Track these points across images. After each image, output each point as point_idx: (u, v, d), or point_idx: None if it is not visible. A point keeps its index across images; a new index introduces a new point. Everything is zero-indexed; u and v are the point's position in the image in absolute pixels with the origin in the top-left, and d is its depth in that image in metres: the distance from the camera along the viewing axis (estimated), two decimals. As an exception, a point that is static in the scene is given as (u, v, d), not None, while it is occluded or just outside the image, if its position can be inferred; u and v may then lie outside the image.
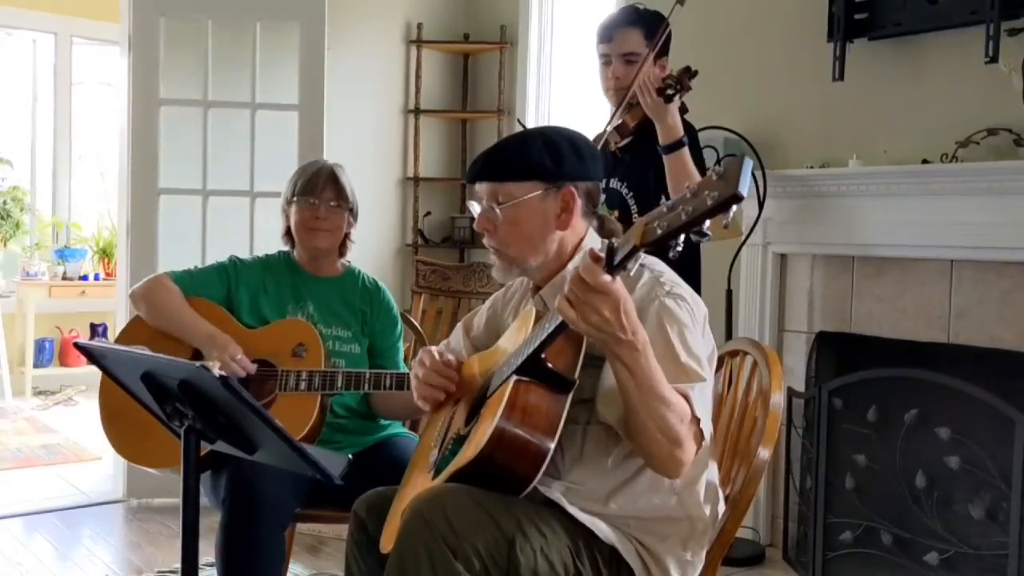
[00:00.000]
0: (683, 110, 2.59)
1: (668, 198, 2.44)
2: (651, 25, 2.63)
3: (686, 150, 2.51)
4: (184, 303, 2.39)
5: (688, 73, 2.50)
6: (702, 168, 2.59)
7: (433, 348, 1.86)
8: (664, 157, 2.51)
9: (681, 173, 2.49)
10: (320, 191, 2.44)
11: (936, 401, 2.96)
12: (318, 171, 2.48)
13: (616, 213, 2.64)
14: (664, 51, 2.64)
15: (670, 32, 2.62)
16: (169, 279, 2.44)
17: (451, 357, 1.84)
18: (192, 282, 2.44)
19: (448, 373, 1.81)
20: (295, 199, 2.46)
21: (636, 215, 2.60)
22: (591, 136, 2.62)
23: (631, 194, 2.65)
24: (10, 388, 5.97)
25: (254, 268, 2.52)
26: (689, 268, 2.77)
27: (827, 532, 3.16)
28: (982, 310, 2.91)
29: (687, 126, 2.58)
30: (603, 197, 2.68)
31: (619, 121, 2.63)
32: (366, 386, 2.34)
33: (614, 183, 2.69)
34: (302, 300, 2.48)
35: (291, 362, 2.34)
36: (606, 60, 2.67)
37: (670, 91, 2.47)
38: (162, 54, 3.83)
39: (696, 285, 2.83)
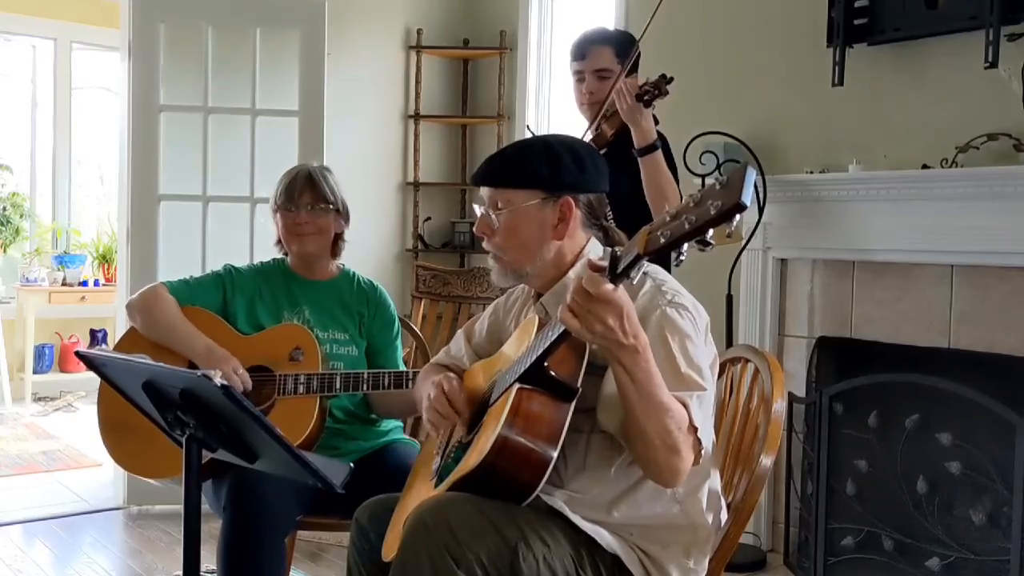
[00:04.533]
0: (655, 121, 2.70)
1: (644, 200, 2.57)
2: (621, 43, 2.79)
3: (659, 153, 2.64)
4: (180, 315, 2.39)
5: (665, 79, 2.62)
6: (675, 172, 2.73)
7: (453, 376, 1.81)
8: (640, 160, 2.64)
9: (656, 175, 2.63)
10: (298, 197, 2.45)
11: (937, 406, 2.96)
12: (294, 177, 2.48)
13: None
14: (634, 68, 2.77)
15: (639, 51, 2.77)
16: (165, 290, 2.42)
17: (464, 394, 1.77)
18: (188, 292, 2.44)
19: (460, 405, 1.75)
20: (278, 209, 2.48)
21: (611, 222, 2.63)
22: None
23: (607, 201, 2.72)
24: (10, 394, 5.96)
25: (249, 276, 2.52)
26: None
27: (828, 537, 3.16)
28: (982, 315, 2.91)
29: (659, 135, 2.70)
30: None
31: (597, 131, 2.75)
32: (364, 387, 2.34)
33: None
34: (297, 305, 2.48)
35: (288, 366, 2.34)
36: (580, 77, 2.80)
37: (647, 96, 2.61)
38: (162, 60, 3.83)
39: None
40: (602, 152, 2.69)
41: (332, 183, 2.50)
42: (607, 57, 2.75)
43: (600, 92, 2.74)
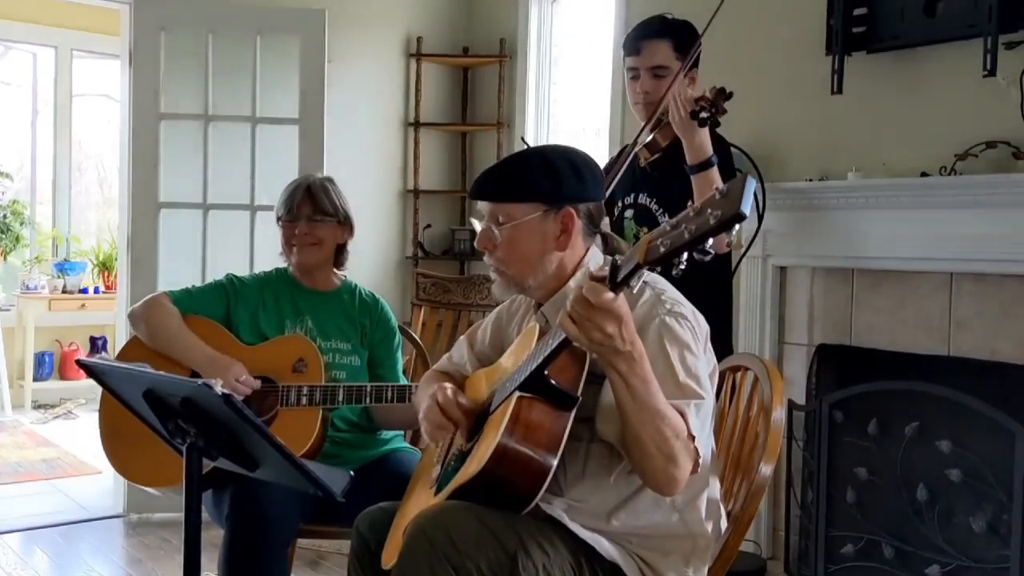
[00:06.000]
0: (715, 123, 2.49)
1: None
2: (680, 36, 2.55)
3: (715, 170, 2.41)
4: (183, 325, 2.39)
5: (723, 95, 2.40)
6: None
7: (448, 386, 1.79)
8: (692, 177, 2.42)
9: (709, 193, 2.45)
10: (296, 208, 2.47)
11: (937, 413, 2.96)
12: (295, 189, 2.51)
13: (645, 229, 2.61)
14: (695, 64, 2.56)
15: (701, 46, 2.54)
16: (167, 299, 2.43)
17: (464, 401, 1.76)
18: (191, 301, 2.45)
19: (456, 415, 1.74)
20: (278, 220, 2.51)
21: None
22: (618, 149, 2.59)
23: (661, 210, 2.60)
24: (10, 402, 5.96)
25: (252, 286, 2.52)
26: (722, 283, 2.77)
27: (828, 545, 3.15)
28: (982, 322, 2.91)
29: (720, 141, 2.50)
30: (630, 212, 2.69)
31: (649, 139, 2.55)
32: (367, 400, 2.34)
33: (643, 199, 2.65)
34: (300, 315, 2.49)
35: (292, 377, 2.34)
36: (634, 74, 2.59)
37: (704, 114, 2.37)
38: (163, 68, 3.84)
39: (728, 300, 2.82)
40: (653, 159, 2.54)
41: (334, 195, 2.51)
42: (664, 53, 2.52)
43: (656, 91, 2.51)
